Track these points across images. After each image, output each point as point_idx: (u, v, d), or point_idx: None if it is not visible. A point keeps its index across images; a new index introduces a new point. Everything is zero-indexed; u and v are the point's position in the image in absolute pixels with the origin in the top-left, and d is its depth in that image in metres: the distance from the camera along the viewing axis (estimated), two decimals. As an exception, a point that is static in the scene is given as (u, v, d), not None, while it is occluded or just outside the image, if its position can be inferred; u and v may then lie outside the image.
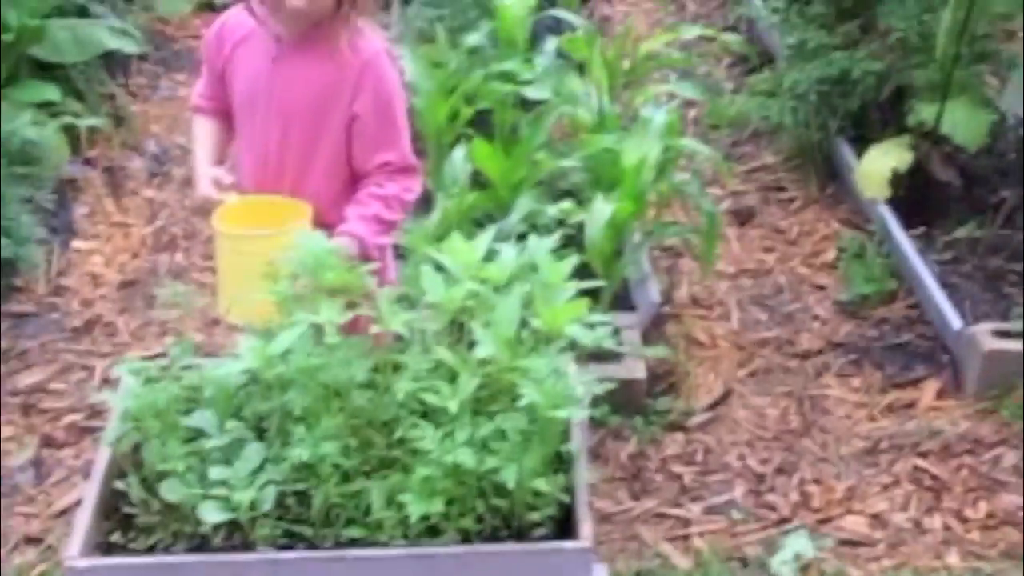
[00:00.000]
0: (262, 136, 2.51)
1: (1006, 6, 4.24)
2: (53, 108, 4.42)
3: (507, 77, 4.07)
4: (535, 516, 1.96)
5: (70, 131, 4.43)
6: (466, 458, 1.86)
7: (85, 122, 4.45)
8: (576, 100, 3.95)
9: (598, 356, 2.47)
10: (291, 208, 2.39)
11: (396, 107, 2.49)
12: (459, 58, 4.20)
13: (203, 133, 2.63)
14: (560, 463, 2.03)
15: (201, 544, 1.95)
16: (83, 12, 4.78)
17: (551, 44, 4.30)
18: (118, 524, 2.01)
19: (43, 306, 3.82)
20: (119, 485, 2.01)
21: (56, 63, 4.54)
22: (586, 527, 1.93)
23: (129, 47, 4.68)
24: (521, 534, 1.96)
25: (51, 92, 4.41)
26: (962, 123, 4.11)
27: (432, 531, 1.93)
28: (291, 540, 1.94)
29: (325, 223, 2.40)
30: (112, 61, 4.98)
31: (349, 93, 2.43)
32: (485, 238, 2.12)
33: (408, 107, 2.56)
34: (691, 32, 4.82)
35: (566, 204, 3.48)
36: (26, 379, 3.51)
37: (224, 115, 2.63)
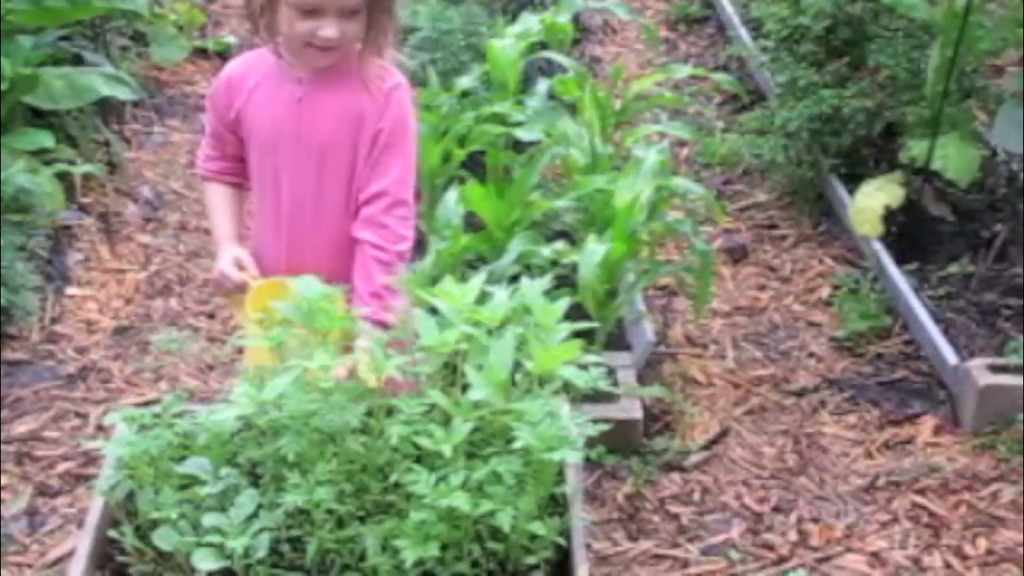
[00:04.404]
0: (292, 177, 2.50)
1: (993, 42, 4.29)
2: (48, 155, 4.43)
3: (499, 119, 4.09)
4: (531, 559, 1.94)
5: (65, 178, 4.44)
6: (461, 502, 1.85)
7: (80, 169, 4.46)
8: (568, 141, 3.97)
9: (593, 397, 2.46)
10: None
11: (407, 138, 2.48)
12: (451, 101, 4.22)
13: (219, 202, 2.64)
14: (556, 505, 2.02)
15: (195, 592, 1.93)
16: (78, 60, 4.81)
17: (543, 86, 4.32)
18: (112, 573, 1.99)
19: (37, 353, 3.80)
20: (113, 534, 2.00)
21: (51, 110, 4.55)
22: (583, 570, 1.92)
23: (123, 94, 4.70)
24: (517, 578, 1.95)
25: (46, 139, 4.42)
26: (953, 158, 4.14)
27: (427, 576, 1.92)
28: (286, 587, 1.93)
29: None
30: (107, 108, 5.00)
31: (376, 116, 2.43)
32: (478, 280, 2.12)
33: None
34: (682, 71, 4.85)
35: (559, 245, 3.48)
36: (20, 427, 3.49)
37: (235, 174, 2.63)
